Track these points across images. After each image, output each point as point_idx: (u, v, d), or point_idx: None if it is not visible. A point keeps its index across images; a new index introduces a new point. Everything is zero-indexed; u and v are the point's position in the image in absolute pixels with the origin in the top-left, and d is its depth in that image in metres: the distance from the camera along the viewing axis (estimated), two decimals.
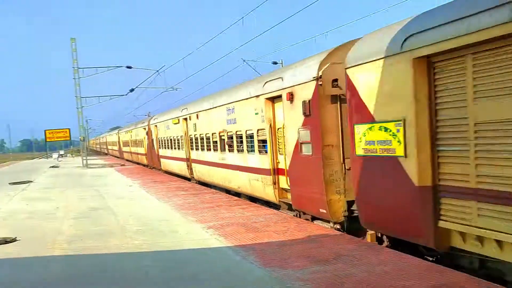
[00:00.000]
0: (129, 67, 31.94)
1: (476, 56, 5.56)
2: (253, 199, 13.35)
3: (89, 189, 17.69)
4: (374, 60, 7.28)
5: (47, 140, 51.47)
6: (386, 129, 7.15)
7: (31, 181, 22.42)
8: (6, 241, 8.57)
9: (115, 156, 58.01)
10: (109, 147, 71.08)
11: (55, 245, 8.16)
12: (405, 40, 6.57)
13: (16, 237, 8.84)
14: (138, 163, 37.50)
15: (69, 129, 49.64)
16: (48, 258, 7.28)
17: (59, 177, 24.98)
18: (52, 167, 35.76)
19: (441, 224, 6.21)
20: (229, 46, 30.84)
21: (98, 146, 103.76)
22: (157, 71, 31.85)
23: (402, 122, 6.70)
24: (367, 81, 7.55)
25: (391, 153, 7.00)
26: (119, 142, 53.77)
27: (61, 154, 59.89)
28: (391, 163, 6.99)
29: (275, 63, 35.99)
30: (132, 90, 33.82)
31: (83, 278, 6.12)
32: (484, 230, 5.56)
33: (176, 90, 36.38)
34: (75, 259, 7.17)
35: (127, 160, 44.05)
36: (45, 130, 48.66)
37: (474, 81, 5.64)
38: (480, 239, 5.75)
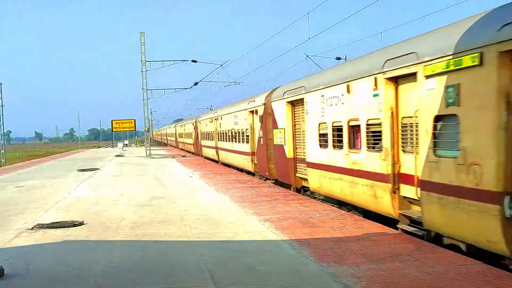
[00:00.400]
0: (194, 61, 32.61)
1: (301, 103, 13.19)
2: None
3: (151, 178, 18.31)
4: (277, 100, 15.48)
5: (114, 130, 53.53)
6: (281, 132, 15.12)
7: (98, 169, 23.46)
8: (74, 224, 9.08)
9: (173, 146, 64.52)
10: (168, 138, 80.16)
11: (118, 231, 8.56)
12: (283, 94, 14.70)
13: (83, 221, 9.34)
14: (188, 151, 45.09)
15: (134, 120, 51.36)
16: (112, 243, 7.65)
17: (124, 166, 25.98)
18: (117, 156, 37.21)
19: (297, 175, 14.24)
20: (293, 41, 30.81)
21: (159, 137, 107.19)
22: (221, 65, 32.33)
23: (284, 129, 14.80)
24: (276, 109, 15.71)
25: (282, 143, 15.02)
26: (175, 134, 62.56)
27: (126, 144, 62.07)
28: (282, 148, 15.06)
29: (338, 58, 35.56)
30: (196, 83, 34.52)
31: (145, 265, 6.40)
32: (305, 175, 13.12)
33: (239, 84, 36.72)
34: (137, 245, 7.49)
35: (181, 149, 50.64)
36: (112, 120, 50.60)
37: (302, 113, 13.19)
38: (307, 180, 12.93)
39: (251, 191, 13.56)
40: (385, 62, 8.62)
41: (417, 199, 7.70)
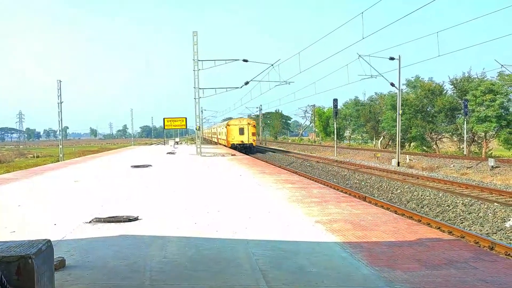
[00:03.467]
0: (245, 61, 32.76)
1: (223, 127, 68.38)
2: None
3: (203, 176, 18.58)
4: (224, 125, 66.38)
5: (165, 127, 54.63)
6: (221, 134, 69.59)
7: (151, 165, 24.02)
8: (129, 219, 9.35)
9: (209, 141, 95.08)
10: (207, 135, 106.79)
11: (171, 227, 8.75)
12: (225, 122, 67.89)
13: (138, 216, 9.61)
14: (215, 143, 79.04)
15: (185, 118, 52.22)
16: (166, 238, 7.84)
17: (175, 163, 26.48)
18: (169, 153, 37.94)
19: (220, 142, 70.52)
20: (346, 41, 30.57)
21: (210, 135, 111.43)
22: (272, 65, 32.39)
23: (223, 133, 65.75)
24: (226, 130, 63.64)
25: (224, 139, 62.74)
26: (211, 133, 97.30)
27: (177, 142, 63.23)
28: (223, 138, 65.54)
29: (392, 58, 35.01)
30: (247, 83, 34.70)
31: (198, 261, 6.53)
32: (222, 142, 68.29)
33: (289, 84, 36.72)
34: (190, 242, 7.63)
35: (211, 142, 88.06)
36: (164, 118, 51.65)
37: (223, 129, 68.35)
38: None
39: (301, 192, 13.52)
40: (226, 122, 65.27)
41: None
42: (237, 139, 57.30)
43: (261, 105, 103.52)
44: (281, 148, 78.57)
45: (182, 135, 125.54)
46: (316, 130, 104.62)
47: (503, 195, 19.31)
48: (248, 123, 58.78)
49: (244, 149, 54.00)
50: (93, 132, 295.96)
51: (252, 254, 6.82)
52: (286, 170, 27.95)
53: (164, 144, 68.58)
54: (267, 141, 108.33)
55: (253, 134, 58.51)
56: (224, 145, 60.25)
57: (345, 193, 20.36)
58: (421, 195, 20.76)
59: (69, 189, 14.81)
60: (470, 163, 32.47)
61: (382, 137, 70.25)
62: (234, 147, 54.41)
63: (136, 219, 9.43)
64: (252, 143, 57.57)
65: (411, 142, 60.64)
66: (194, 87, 32.19)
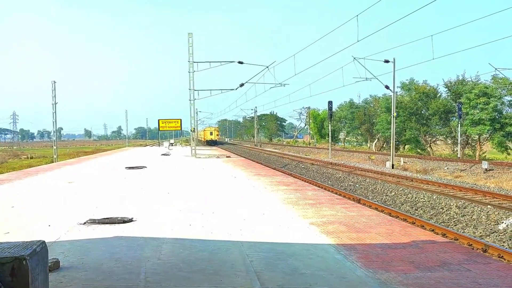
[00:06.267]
0: (240, 62, 32.76)
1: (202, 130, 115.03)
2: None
3: (198, 177, 18.58)
4: (203, 130, 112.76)
5: (160, 129, 54.63)
6: (202, 134, 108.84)
7: (145, 167, 23.98)
8: (124, 221, 9.34)
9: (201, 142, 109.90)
10: (199, 137, 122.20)
11: (166, 228, 8.75)
12: (203, 129, 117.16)
13: (132, 218, 9.60)
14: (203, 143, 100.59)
15: (180, 119, 52.21)
16: (160, 240, 7.84)
17: (170, 165, 26.45)
18: (163, 155, 37.92)
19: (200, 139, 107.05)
20: (341, 43, 30.70)
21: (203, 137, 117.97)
22: (267, 67, 32.40)
23: (203, 133, 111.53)
24: (203, 131, 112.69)
25: (202, 137, 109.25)
26: (199, 134, 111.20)
27: (171, 143, 63.13)
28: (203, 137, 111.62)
29: (386, 61, 35.16)
30: (242, 84, 34.66)
31: (192, 263, 6.53)
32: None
33: (284, 86, 36.71)
34: (185, 243, 7.63)
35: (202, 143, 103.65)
36: (158, 120, 51.74)
37: (202, 131, 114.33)
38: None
39: (296, 194, 13.54)
40: (203, 128, 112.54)
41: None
42: (208, 137, 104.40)
43: (256, 107, 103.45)
44: (269, 149, 77.94)
45: (176, 137, 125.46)
46: (311, 132, 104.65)
47: (496, 198, 19.39)
48: (215, 129, 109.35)
49: (213, 142, 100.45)
50: (88, 133, 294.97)
51: (247, 255, 6.83)
52: (281, 172, 27.96)
53: (159, 146, 68.44)
54: (262, 143, 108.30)
55: (217, 135, 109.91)
56: (203, 141, 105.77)
57: (340, 195, 20.41)
58: (415, 198, 20.83)
59: (63, 190, 14.77)
60: (464, 166, 32.61)
61: (376, 139, 70.41)
62: (207, 142, 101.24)
63: (130, 220, 9.43)
64: (216, 139, 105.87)
65: (405, 145, 60.79)
66: (189, 89, 32.20)
